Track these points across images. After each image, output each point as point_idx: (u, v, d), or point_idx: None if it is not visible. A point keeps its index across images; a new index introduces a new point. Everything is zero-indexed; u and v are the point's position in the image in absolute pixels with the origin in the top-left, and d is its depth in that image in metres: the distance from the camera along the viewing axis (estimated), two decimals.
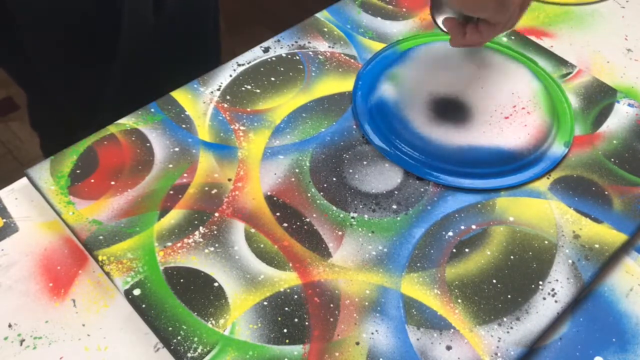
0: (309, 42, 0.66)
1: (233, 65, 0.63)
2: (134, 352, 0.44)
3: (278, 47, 0.65)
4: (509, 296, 0.47)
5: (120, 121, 0.57)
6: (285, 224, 0.50)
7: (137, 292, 0.45)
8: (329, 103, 0.59)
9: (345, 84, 0.61)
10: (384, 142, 0.56)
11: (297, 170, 0.54)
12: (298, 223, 0.50)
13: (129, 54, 0.68)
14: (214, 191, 0.52)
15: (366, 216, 0.51)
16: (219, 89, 0.60)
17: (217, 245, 0.49)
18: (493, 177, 0.54)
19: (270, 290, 0.46)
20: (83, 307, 0.46)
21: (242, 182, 0.53)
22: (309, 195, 0.52)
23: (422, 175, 0.54)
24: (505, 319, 0.45)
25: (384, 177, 0.54)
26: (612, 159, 0.56)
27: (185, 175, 0.53)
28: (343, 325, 0.45)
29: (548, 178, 0.55)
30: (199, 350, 0.43)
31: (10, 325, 0.45)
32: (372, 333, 0.44)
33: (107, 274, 0.46)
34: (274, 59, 0.64)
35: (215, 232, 0.49)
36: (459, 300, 0.46)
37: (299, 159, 0.55)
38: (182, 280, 0.46)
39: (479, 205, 0.52)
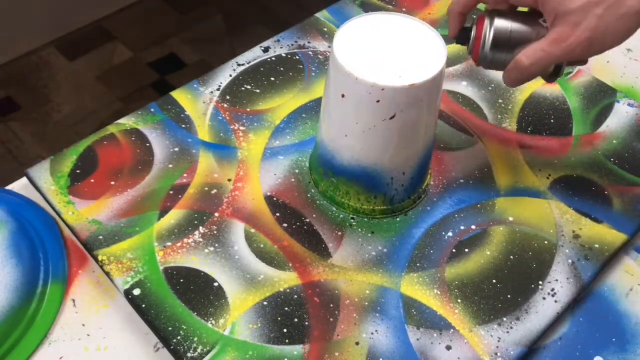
0: (309, 42, 0.66)
1: (233, 65, 0.63)
2: (134, 352, 0.44)
3: (278, 47, 0.65)
4: (509, 296, 0.47)
5: (120, 121, 0.57)
6: (285, 225, 0.50)
7: (137, 292, 0.45)
8: None
9: None
10: None
11: (297, 171, 0.54)
12: (298, 223, 0.50)
13: None
14: (214, 191, 0.52)
15: (366, 217, 0.51)
16: (219, 89, 0.60)
17: (217, 245, 0.49)
18: None
19: (270, 290, 0.46)
20: (83, 307, 0.46)
21: (242, 183, 0.53)
22: (309, 195, 0.52)
23: None
24: (505, 319, 0.45)
25: None
26: (612, 159, 0.56)
27: (185, 175, 0.53)
28: (343, 326, 0.45)
29: (548, 178, 0.55)
30: (199, 350, 0.43)
31: None
32: (372, 333, 0.44)
33: (107, 274, 0.46)
34: (274, 59, 0.64)
35: (215, 232, 0.49)
36: (459, 300, 0.46)
37: (299, 159, 0.55)
38: (182, 280, 0.46)
39: (478, 206, 0.52)
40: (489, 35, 0.46)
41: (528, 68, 0.44)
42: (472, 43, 0.47)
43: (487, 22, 0.46)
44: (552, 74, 0.46)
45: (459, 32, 0.49)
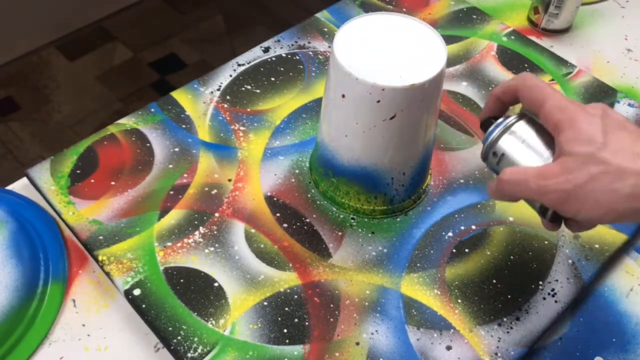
0: (309, 42, 0.66)
1: (233, 65, 0.63)
2: (134, 352, 0.44)
3: (278, 47, 0.65)
4: (509, 296, 0.47)
5: (120, 121, 0.57)
6: (285, 225, 0.50)
7: (137, 292, 0.45)
8: None
9: None
10: None
11: (297, 171, 0.54)
12: (298, 223, 0.50)
13: None
14: (214, 191, 0.52)
15: (366, 217, 0.51)
16: (219, 89, 0.60)
17: (217, 245, 0.49)
18: None
19: (270, 290, 0.46)
20: (83, 307, 0.46)
21: (242, 183, 0.53)
22: (309, 195, 0.52)
23: None
24: (505, 319, 0.45)
25: None
26: None
27: (185, 175, 0.53)
28: (343, 326, 0.45)
29: None
30: (199, 350, 0.43)
31: None
32: (372, 333, 0.44)
33: (107, 274, 0.46)
34: (274, 59, 0.64)
35: (215, 232, 0.49)
36: (459, 300, 0.46)
37: (299, 159, 0.55)
38: (182, 280, 0.46)
39: (478, 206, 0.52)
40: (494, 136, 0.41)
41: (504, 184, 0.39)
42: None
43: (506, 121, 0.40)
44: (540, 212, 0.40)
45: (485, 118, 0.43)
